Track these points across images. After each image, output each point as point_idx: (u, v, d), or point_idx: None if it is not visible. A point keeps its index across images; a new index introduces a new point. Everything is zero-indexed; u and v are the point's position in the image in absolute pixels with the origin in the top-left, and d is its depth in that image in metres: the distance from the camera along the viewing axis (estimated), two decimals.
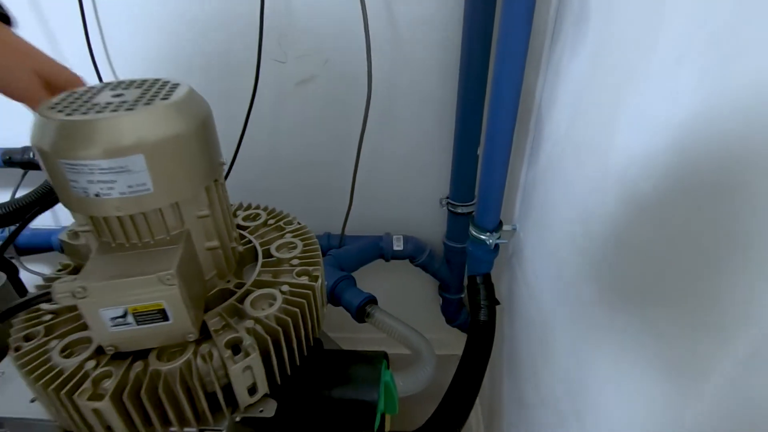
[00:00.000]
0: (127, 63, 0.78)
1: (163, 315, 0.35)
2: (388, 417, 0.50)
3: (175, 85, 0.38)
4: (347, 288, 0.77)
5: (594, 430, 0.44)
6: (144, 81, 0.39)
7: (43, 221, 0.95)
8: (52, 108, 0.34)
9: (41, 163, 0.35)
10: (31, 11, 0.74)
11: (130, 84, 0.38)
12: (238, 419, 0.40)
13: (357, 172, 0.80)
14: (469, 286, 0.71)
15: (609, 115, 0.41)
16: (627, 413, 0.38)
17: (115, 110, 0.33)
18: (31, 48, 0.42)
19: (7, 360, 0.43)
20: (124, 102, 0.34)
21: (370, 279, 0.92)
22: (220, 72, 0.76)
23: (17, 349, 0.38)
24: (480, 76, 0.67)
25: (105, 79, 0.78)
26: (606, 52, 0.41)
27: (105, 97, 0.36)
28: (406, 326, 0.69)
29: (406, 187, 0.89)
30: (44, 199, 0.77)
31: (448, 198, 0.84)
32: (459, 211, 0.82)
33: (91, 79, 0.64)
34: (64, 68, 0.43)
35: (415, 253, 0.90)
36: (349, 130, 0.78)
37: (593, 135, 0.44)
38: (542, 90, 0.59)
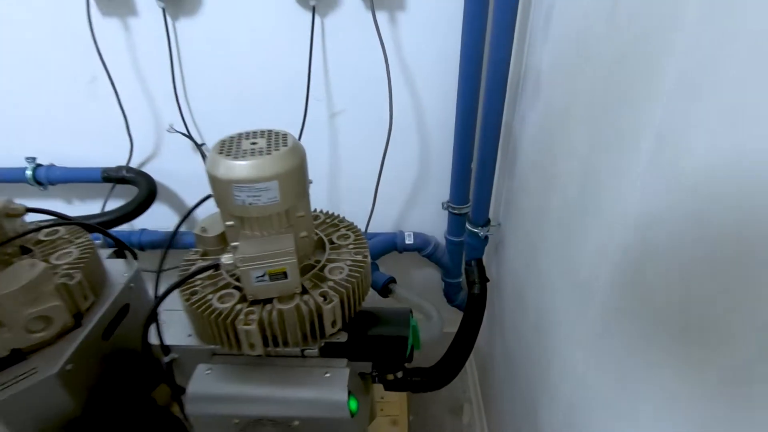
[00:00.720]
0: (204, 105, 1.01)
1: (284, 275, 0.58)
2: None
3: (285, 135, 0.61)
4: (373, 271, 1.01)
5: (552, 351, 0.67)
6: (264, 131, 0.62)
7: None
8: (220, 152, 0.57)
9: (212, 183, 0.58)
10: (137, 83, 0.96)
11: (257, 134, 0.61)
12: (322, 344, 0.63)
13: (379, 183, 1.04)
14: (467, 267, 0.94)
15: (550, 153, 0.64)
16: (575, 348, 0.61)
17: (259, 154, 0.56)
18: None
19: (165, 312, 0.66)
20: (260, 149, 0.58)
21: (387, 267, 1.15)
22: (277, 110, 1.00)
23: (187, 300, 0.61)
24: (472, 111, 0.91)
25: (190, 127, 1.00)
26: (550, 111, 0.65)
27: (245, 144, 0.59)
28: (420, 298, 0.92)
29: (416, 194, 1.12)
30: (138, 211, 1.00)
31: (448, 202, 1.08)
32: (457, 212, 1.06)
33: (179, 125, 0.87)
34: None
35: (423, 246, 1.13)
36: (373, 150, 1.02)
37: (544, 167, 0.68)
38: (517, 125, 0.83)
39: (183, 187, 1.13)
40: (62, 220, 0.74)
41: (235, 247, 0.60)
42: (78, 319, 0.67)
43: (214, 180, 0.57)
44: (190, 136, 1.01)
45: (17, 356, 0.61)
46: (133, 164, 1.06)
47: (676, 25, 0.34)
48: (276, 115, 1.00)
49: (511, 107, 0.82)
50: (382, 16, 0.89)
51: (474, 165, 0.97)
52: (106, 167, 1.05)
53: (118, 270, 0.77)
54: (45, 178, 1.05)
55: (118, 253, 0.86)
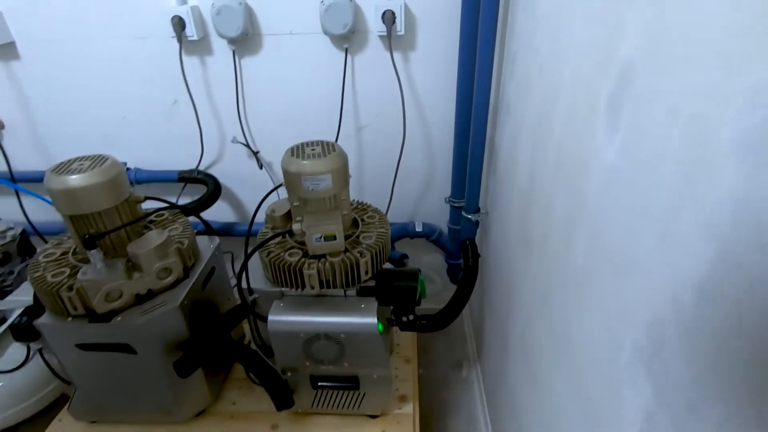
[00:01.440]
0: (259, 122, 1.30)
1: (334, 238, 0.86)
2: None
3: (334, 144, 0.89)
4: (391, 250, 1.28)
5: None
6: (319, 142, 0.90)
7: None
8: (292, 155, 0.86)
9: (286, 176, 0.86)
10: (209, 105, 1.26)
11: (315, 143, 0.90)
12: (358, 287, 0.90)
13: (395, 182, 1.32)
14: (462, 246, 1.21)
15: (514, 157, 0.92)
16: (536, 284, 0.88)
17: (318, 156, 0.85)
18: None
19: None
20: (318, 153, 0.86)
21: (401, 249, 1.43)
22: (316, 125, 1.28)
23: (267, 255, 0.89)
24: (466, 126, 1.19)
25: (248, 139, 1.30)
26: (516, 132, 0.93)
27: (308, 150, 0.87)
28: (426, 268, 1.18)
29: (424, 191, 1.40)
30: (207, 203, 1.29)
31: (450, 197, 1.36)
32: (456, 204, 1.33)
33: (240, 137, 1.16)
34: None
35: (430, 233, 1.41)
36: (390, 156, 1.30)
37: (512, 167, 0.95)
38: (497, 138, 1.10)
39: (239, 186, 1.43)
40: (171, 206, 1.02)
41: (299, 221, 0.89)
42: (186, 273, 0.95)
43: (287, 173, 0.86)
44: (248, 146, 1.31)
45: (151, 295, 0.90)
46: (201, 167, 1.36)
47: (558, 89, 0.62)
48: (315, 129, 1.29)
49: (493, 124, 1.10)
50: (397, 55, 1.17)
51: (468, 168, 1.25)
52: (181, 170, 1.34)
53: (204, 244, 1.06)
54: (134, 178, 1.35)
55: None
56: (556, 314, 0.64)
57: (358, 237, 0.94)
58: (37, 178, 1.34)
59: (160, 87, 1.25)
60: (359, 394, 0.95)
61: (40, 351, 1.18)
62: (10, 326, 1.11)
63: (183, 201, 1.40)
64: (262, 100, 1.26)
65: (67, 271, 0.86)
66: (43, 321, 0.86)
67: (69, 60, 1.21)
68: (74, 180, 0.81)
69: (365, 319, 0.85)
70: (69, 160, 0.86)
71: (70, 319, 0.84)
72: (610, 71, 0.46)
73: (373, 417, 1.00)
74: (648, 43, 0.40)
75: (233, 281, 0.95)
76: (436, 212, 1.43)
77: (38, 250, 0.94)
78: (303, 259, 0.88)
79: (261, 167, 1.34)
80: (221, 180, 1.37)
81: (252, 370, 0.96)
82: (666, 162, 0.36)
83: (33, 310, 1.15)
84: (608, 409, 0.48)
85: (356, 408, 0.98)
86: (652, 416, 0.39)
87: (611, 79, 0.46)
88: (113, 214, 0.87)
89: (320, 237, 0.86)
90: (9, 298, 1.14)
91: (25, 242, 1.23)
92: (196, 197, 1.34)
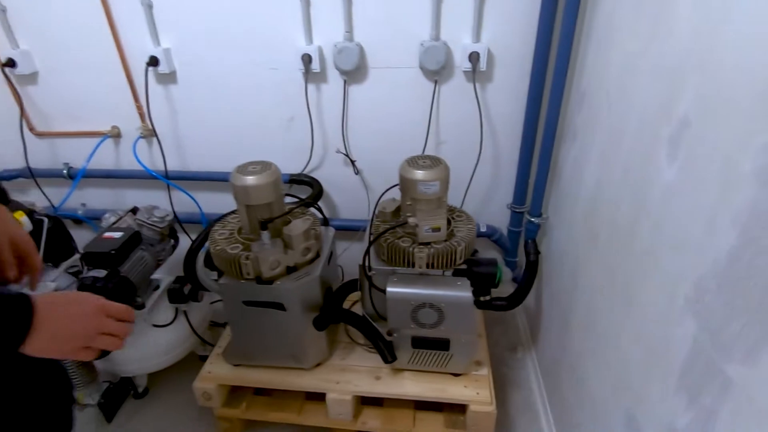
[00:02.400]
0: (358, 137, 1.59)
1: (439, 229, 1.13)
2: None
3: (440, 158, 1.16)
4: None
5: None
6: (429, 156, 1.17)
7: None
8: (410, 165, 1.13)
9: (403, 181, 1.14)
10: (319, 122, 1.55)
11: (426, 157, 1.17)
12: (453, 269, 1.17)
13: (468, 190, 1.58)
14: (525, 244, 1.47)
15: (579, 178, 1.16)
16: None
17: (430, 168, 1.12)
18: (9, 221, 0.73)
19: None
20: (429, 165, 1.13)
21: None
22: (403, 141, 1.56)
23: (385, 242, 1.16)
24: (531, 147, 1.44)
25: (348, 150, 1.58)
26: (582, 154, 1.17)
27: (421, 162, 1.14)
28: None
29: (488, 198, 1.66)
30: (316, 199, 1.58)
31: (511, 203, 1.61)
32: (517, 210, 1.59)
33: (342, 149, 1.45)
34: (29, 238, 0.74)
35: (492, 233, 1.66)
36: (462, 167, 1.56)
37: (570, 192, 1.20)
38: (561, 158, 1.35)
39: (334, 189, 1.71)
40: (303, 201, 1.31)
41: (410, 216, 1.15)
42: (317, 254, 1.24)
43: (405, 179, 1.13)
44: (347, 155, 1.60)
45: (295, 269, 1.18)
46: (306, 171, 1.65)
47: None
48: (403, 144, 1.56)
49: (558, 146, 1.36)
50: (477, 86, 1.44)
51: (531, 180, 1.50)
52: (291, 173, 1.64)
53: (324, 232, 1.34)
54: None
55: None
56: (620, 288, 0.89)
57: (452, 231, 1.20)
58: (177, 177, 1.66)
59: (281, 106, 1.55)
60: (448, 355, 1.21)
61: (185, 313, 1.49)
62: (168, 290, 1.42)
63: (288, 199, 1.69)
64: (363, 119, 1.55)
65: (240, 246, 1.15)
66: (223, 281, 1.15)
67: (214, 84, 1.53)
68: (252, 179, 1.10)
69: (462, 293, 1.12)
70: (245, 164, 1.15)
71: (242, 281, 1.13)
72: (672, 119, 0.71)
73: (456, 375, 1.26)
74: (699, 103, 0.65)
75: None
76: (497, 216, 1.69)
77: (211, 230, 1.23)
78: (413, 245, 1.15)
79: (357, 173, 1.63)
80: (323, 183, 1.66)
81: (364, 331, 1.23)
82: (709, 181, 0.62)
83: (183, 279, 1.46)
84: (663, 343, 0.72)
85: (444, 366, 1.23)
86: (696, 338, 0.64)
87: (671, 125, 0.71)
88: (274, 205, 1.16)
89: (429, 228, 1.13)
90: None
91: (172, 227, 1.54)
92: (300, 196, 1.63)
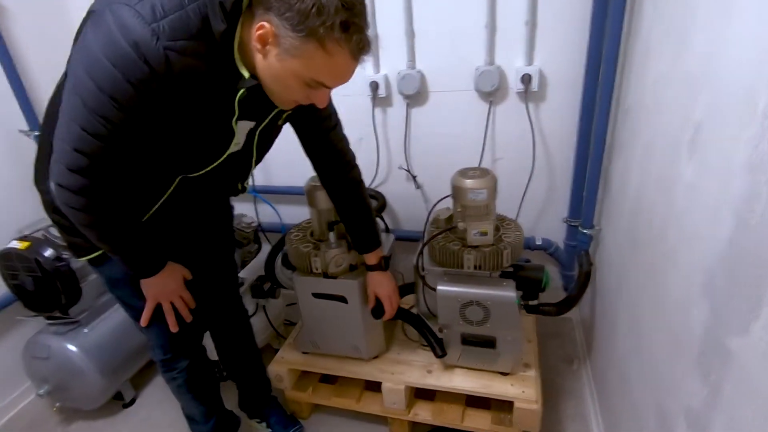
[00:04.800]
0: (419, 155, 1.75)
1: (486, 234, 1.23)
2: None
3: (488, 169, 1.28)
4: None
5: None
6: (478, 168, 1.30)
7: None
8: (461, 176, 1.26)
9: (455, 190, 1.27)
10: (384, 142, 1.74)
11: (477, 168, 1.30)
12: (500, 271, 1.26)
13: (522, 204, 1.66)
14: (578, 256, 1.51)
15: (624, 188, 1.21)
16: None
17: (480, 177, 1.24)
18: (384, 282, 1.27)
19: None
20: (479, 175, 1.25)
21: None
22: (460, 157, 1.70)
23: (437, 244, 1.29)
24: (584, 161, 1.50)
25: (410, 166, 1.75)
26: (626, 166, 1.23)
27: (470, 173, 1.27)
28: None
29: (543, 212, 1.72)
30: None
31: (567, 217, 1.66)
32: (573, 223, 1.64)
33: (404, 165, 1.61)
34: (393, 294, 1.27)
35: (547, 246, 1.72)
36: (516, 182, 1.65)
37: (618, 202, 1.25)
38: (612, 169, 1.40)
39: (395, 202, 1.87)
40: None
41: (460, 221, 1.27)
42: None
43: (456, 188, 1.26)
44: (409, 171, 1.76)
45: (355, 267, 1.35)
46: (372, 186, 1.83)
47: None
48: (460, 160, 1.69)
49: (608, 158, 1.41)
50: (530, 105, 1.54)
51: (585, 194, 1.56)
52: None
53: (384, 237, 1.50)
54: None
55: None
56: (655, 286, 0.94)
57: (500, 236, 1.30)
58: (262, 190, 1.93)
59: (351, 129, 1.74)
60: (495, 353, 1.29)
61: (263, 307, 1.71)
62: (251, 286, 1.65)
63: None
64: (423, 138, 1.71)
65: (311, 246, 1.34)
66: (295, 275, 1.34)
67: None
68: (323, 188, 1.30)
69: (507, 293, 1.20)
70: (316, 176, 1.36)
71: (312, 276, 1.32)
72: (690, 124, 0.79)
73: (504, 374, 1.33)
74: (708, 109, 0.72)
75: None
76: (553, 230, 1.74)
77: (287, 232, 1.44)
78: (462, 248, 1.26)
79: (417, 188, 1.78)
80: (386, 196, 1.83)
81: (417, 326, 1.35)
82: (714, 176, 0.69)
83: (264, 278, 1.69)
84: (684, 329, 0.77)
85: (492, 365, 1.31)
86: (707, 319, 0.70)
87: (690, 130, 0.78)
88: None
89: (477, 232, 1.24)
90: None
91: (256, 233, 1.79)
92: None
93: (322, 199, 1.31)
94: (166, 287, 1.02)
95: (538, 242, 1.71)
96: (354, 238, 1.25)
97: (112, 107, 0.73)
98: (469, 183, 1.24)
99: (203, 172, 0.93)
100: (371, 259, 1.25)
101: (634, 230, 1.11)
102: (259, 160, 1.07)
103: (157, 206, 0.96)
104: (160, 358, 1.17)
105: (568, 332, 1.84)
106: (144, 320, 1.05)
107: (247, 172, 1.08)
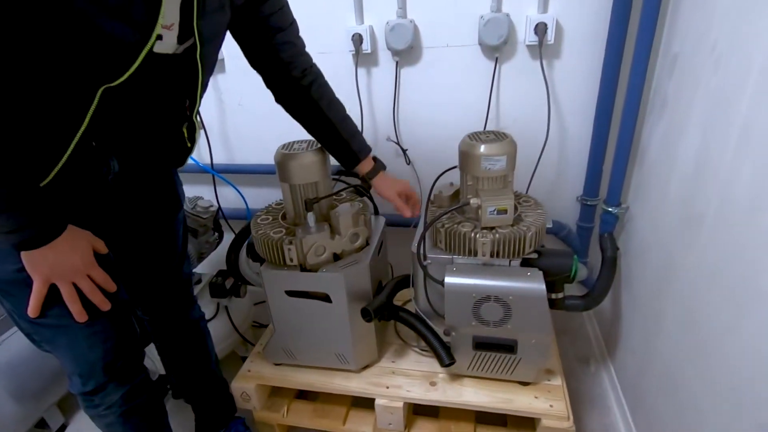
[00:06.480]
0: (410, 124, 1.48)
1: (506, 211, 0.98)
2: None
3: (505, 132, 1.03)
4: None
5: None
6: (492, 131, 1.05)
7: None
8: (471, 140, 1.00)
9: (465, 158, 1.01)
10: (369, 107, 1.47)
11: (489, 132, 1.04)
12: (521, 259, 1.01)
13: (531, 182, 1.43)
14: (601, 239, 1.28)
15: (671, 155, 0.99)
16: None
17: (496, 141, 0.99)
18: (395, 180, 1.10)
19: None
20: (494, 138, 1.00)
21: None
22: (460, 128, 1.44)
23: (442, 226, 1.04)
24: (605, 129, 1.28)
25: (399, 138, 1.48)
26: (674, 128, 1.00)
27: (484, 137, 1.02)
28: None
29: (554, 191, 1.49)
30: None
31: (582, 196, 1.43)
32: (589, 203, 1.41)
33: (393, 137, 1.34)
34: (411, 189, 1.10)
35: (559, 230, 1.49)
36: (524, 156, 1.41)
37: (659, 174, 1.02)
38: (645, 136, 1.18)
39: None
40: (349, 185, 1.21)
41: (471, 197, 1.02)
42: (366, 242, 1.12)
43: (466, 155, 1.00)
44: (399, 144, 1.49)
45: (341, 257, 1.07)
46: None
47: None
48: (459, 133, 1.44)
49: (641, 122, 1.19)
50: (544, 62, 1.30)
51: (606, 166, 1.33)
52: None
53: (374, 221, 1.23)
54: None
55: None
56: (738, 276, 0.71)
57: (519, 216, 1.05)
58: (223, 170, 1.62)
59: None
60: (515, 359, 1.05)
61: (226, 308, 1.41)
62: (210, 284, 1.35)
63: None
64: (415, 105, 1.44)
65: (284, 230, 1.06)
66: (264, 269, 1.06)
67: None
68: (297, 156, 1.02)
69: (534, 285, 0.96)
70: (290, 143, 1.07)
71: (285, 268, 1.04)
72: None
73: (524, 384, 1.09)
74: None
75: None
76: (565, 211, 1.51)
77: (254, 216, 1.15)
78: (476, 230, 1.01)
79: (408, 163, 1.52)
80: None
81: (418, 329, 1.09)
82: None
83: (225, 273, 1.39)
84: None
85: (510, 373, 1.07)
86: None
87: None
88: (320, 185, 1.06)
89: (494, 210, 0.99)
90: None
91: (215, 219, 1.49)
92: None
93: (297, 170, 1.03)
94: (63, 262, 0.70)
95: (549, 225, 1.48)
96: (337, 154, 1.07)
97: None
98: (483, 149, 0.99)
99: (130, 73, 0.66)
100: (366, 165, 1.09)
101: (692, 206, 0.89)
102: (206, 72, 0.80)
103: (80, 133, 0.68)
104: (78, 390, 0.87)
105: (578, 328, 1.62)
106: (32, 309, 0.73)
107: (193, 92, 0.81)
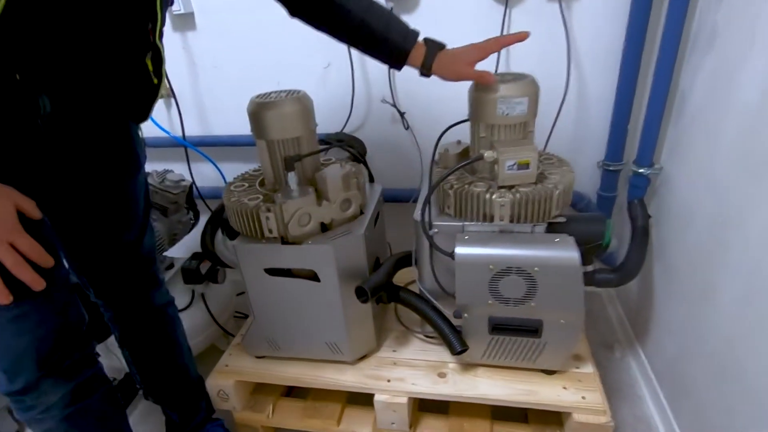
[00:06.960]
0: (408, 82, 1.31)
1: (528, 166, 0.81)
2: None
3: (527, 74, 0.86)
4: None
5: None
6: (511, 72, 0.87)
7: None
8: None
9: (477, 103, 0.84)
10: (360, 68, 1.29)
11: (509, 73, 0.87)
12: (547, 224, 0.85)
13: (546, 145, 1.26)
14: (630, 205, 1.12)
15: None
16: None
17: (515, 80, 0.82)
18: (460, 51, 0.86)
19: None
20: (515, 79, 0.83)
21: None
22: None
23: (451, 188, 0.87)
24: (633, 79, 1.11)
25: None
26: (727, 64, 0.83)
27: (504, 78, 0.84)
28: None
29: (572, 157, 1.32)
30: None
31: (603, 161, 1.26)
32: (612, 168, 1.24)
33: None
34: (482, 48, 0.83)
35: (578, 200, 1.32)
36: (543, 120, 1.24)
37: (706, 123, 0.86)
38: (685, 79, 1.01)
39: (381, 151, 1.42)
40: (350, 152, 1.04)
41: (485, 151, 0.85)
42: (360, 211, 0.95)
43: (479, 100, 0.83)
44: (395, 107, 1.32)
45: (331, 227, 0.90)
46: (347, 131, 1.38)
47: None
48: (463, 93, 1.27)
49: (680, 63, 1.02)
50: (557, 6, 1.13)
51: (631, 125, 1.16)
52: (328, 133, 1.37)
53: (369, 188, 1.06)
54: None
55: None
56: None
57: (542, 173, 0.88)
58: (198, 143, 1.44)
59: (316, 54, 1.30)
60: (539, 344, 0.88)
61: (202, 296, 1.24)
62: (182, 269, 1.18)
63: None
64: None
65: (261, 197, 0.88)
66: (239, 243, 0.88)
67: (235, 30, 1.30)
68: (276, 106, 0.84)
69: (565, 253, 0.79)
70: (267, 93, 0.90)
71: (263, 242, 0.86)
72: None
73: (549, 373, 0.93)
74: None
75: None
76: (584, 179, 1.34)
77: (227, 183, 0.98)
78: (491, 190, 0.84)
79: (407, 128, 1.34)
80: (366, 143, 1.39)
81: (423, 312, 0.93)
82: None
83: (200, 255, 1.22)
84: None
85: (533, 361, 0.91)
86: None
87: None
88: (302, 141, 0.89)
89: (513, 164, 0.82)
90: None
91: (189, 196, 1.31)
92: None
93: (275, 122, 0.85)
94: None
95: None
96: (381, 55, 0.86)
97: None
98: (501, 89, 0.82)
99: None
100: (417, 56, 0.85)
101: (759, 150, 0.72)
102: None
103: None
104: (5, 389, 0.69)
105: (598, 310, 1.46)
106: None
107: (152, 6, 0.64)
